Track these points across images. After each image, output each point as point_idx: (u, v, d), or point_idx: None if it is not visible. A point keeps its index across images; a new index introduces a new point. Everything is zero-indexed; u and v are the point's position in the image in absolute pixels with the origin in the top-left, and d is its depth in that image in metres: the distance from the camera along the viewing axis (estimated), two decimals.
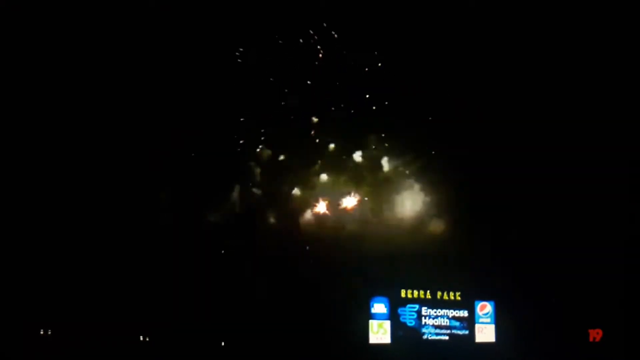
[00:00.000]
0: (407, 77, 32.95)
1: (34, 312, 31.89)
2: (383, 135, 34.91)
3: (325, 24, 32.30)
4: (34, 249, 31.77)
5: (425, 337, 34.88)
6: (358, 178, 35.16)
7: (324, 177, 34.99)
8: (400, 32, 32.09)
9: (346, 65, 33.22)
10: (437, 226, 35.42)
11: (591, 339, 35.24)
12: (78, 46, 31.71)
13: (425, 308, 35.06)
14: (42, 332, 32.45)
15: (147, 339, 33.55)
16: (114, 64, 32.05)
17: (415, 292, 35.02)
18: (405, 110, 33.57)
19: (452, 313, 35.35)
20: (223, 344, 33.71)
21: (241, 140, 34.19)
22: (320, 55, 32.65)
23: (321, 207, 34.72)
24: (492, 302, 35.80)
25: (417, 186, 35.36)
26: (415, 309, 34.94)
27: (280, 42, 32.35)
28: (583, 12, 32.42)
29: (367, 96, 33.88)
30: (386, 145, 35.18)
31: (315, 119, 34.52)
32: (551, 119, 34.78)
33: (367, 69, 33.52)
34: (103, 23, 31.45)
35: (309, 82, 33.36)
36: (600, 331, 35.20)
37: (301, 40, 32.64)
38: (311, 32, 32.49)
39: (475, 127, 34.09)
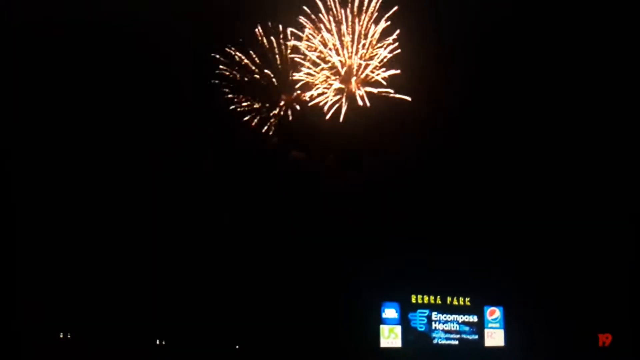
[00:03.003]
0: None
1: (54, 316, 32.69)
2: None
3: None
4: (56, 255, 32.64)
5: (435, 341, 35.31)
6: None
7: None
8: None
9: None
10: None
11: (600, 344, 35.40)
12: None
13: (436, 313, 35.53)
14: (61, 336, 33.20)
15: (163, 343, 34.20)
16: None
17: (426, 298, 35.53)
18: None
19: (461, 318, 35.82)
20: (237, 347, 34.32)
21: None
22: None
23: None
24: (501, 308, 36.27)
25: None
26: (426, 314, 35.41)
27: None
28: None
29: None
30: None
31: None
32: (558, 123, 35.37)
33: None
34: None
35: None
36: (609, 336, 35.34)
37: None
38: None
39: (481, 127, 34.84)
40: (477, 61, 34.08)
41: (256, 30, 32.71)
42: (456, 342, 35.55)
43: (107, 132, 33.25)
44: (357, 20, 32.08)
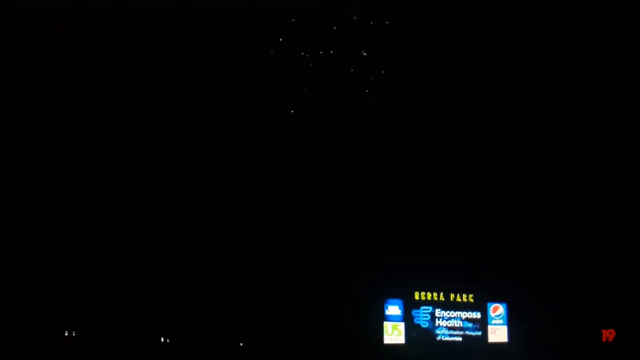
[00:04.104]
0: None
1: (59, 315, 32.90)
2: None
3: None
4: (60, 252, 32.86)
5: (438, 338, 35.49)
6: None
7: None
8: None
9: None
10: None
11: (604, 339, 35.42)
12: None
13: (439, 310, 35.71)
14: (66, 334, 33.42)
15: (168, 341, 34.39)
16: None
17: (429, 294, 35.72)
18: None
19: (465, 315, 35.95)
20: (241, 344, 34.52)
21: None
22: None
23: None
24: (505, 304, 36.33)
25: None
26: (429, 311, 35.61)
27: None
28: None
29: None
30: None
31: None
32: (561, 122, 35.32)
33: None
34: None
35: None
36: (613, 331, 35.37)
37: None
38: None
39: (483, 128, 34.76)
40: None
41: None
42: (459, 339, 35.69)
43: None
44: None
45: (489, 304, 36.26)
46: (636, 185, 34.91)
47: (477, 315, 36.08)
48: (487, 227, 35.97)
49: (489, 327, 36.09)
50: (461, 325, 35.84)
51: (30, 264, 31.76)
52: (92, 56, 31.02)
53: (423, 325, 35.46)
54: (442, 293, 35.82)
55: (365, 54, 30.66)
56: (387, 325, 34.98)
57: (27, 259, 31.72)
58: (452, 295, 35.95)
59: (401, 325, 35.14)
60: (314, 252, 34.77)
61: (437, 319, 35.61)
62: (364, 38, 30.70)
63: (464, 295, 36.07)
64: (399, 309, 35.21)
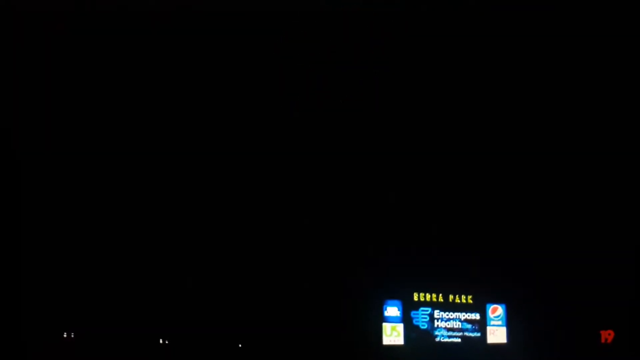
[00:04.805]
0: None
1: (58, 316, 32.80)
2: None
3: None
4: (59, 253, 32.77)
5: (437, 339, 35.47)
6: None
7: None
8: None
9: None
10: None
11: (603, 341, 35.51)
12: None
13: (438, 311, 35.69)
14: (65, 335, 33.33)
15: (167, 342, 34.33)
16: None
17: (428, 296, 35.70)
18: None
19: (464, 316, 35.96)
20: (240, 345, 34.47)
21: None
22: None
23: None
24: (503, 305, 36.39)
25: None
26: (428, 312, 35.58)
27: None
28: None
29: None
30: None
31: None
32: (561, 122, 35.39)
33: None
34: None
35: None
36: (612, 332, 35.46)
37: None
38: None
39: (483, 128, 34.83)
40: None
41: None
42: (458, 340, 35.70)
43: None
44: None
45: (488, 305, 36.32)
46: (635, 186, 35.09)
47: (476, 316, 36.12)
48: (486, 228, 36.17)
49: (488, 328, 36.14)
50: (460, 326, 35.86)
51: (30, 265, 31.71)
52: (92, 56, 31.14)
53: (422, 327, 35.43)
54: (441, 294, 35.82)
55: (364, 54, 31.04)
56: (386, 327, 34.90)
57: (27, 260, 31.67)
58: (451, 297, 35.97)
59: (400, 327, 35.08)
60: (313, 253, 34.83)
61: (436, 320, 35.60)
62: (363, 39, 31.06)
63: (463, 297, 36.09)
64: (398, 310, 35.15)
